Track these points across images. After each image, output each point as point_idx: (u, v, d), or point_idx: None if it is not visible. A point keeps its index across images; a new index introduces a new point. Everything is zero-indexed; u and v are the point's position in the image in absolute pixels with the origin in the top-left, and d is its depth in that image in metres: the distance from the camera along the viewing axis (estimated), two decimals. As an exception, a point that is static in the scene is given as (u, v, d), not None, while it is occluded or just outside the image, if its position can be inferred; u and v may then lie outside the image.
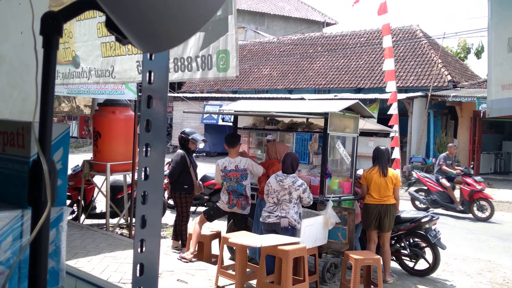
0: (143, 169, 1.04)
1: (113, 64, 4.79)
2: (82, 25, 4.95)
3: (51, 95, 0.82)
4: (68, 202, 7.96)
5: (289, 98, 18.54)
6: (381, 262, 5.81)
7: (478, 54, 27.77)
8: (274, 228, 5.05)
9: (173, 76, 4.22)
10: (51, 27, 0.81)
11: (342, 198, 6.00)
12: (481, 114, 15.93)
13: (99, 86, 7.73)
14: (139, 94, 7.20)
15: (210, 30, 3.86)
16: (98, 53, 4.91)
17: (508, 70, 3.46)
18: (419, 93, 17.08)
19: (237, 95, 21.52)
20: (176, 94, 24.28)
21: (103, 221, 7.64)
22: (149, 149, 1.06)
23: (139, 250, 1.05)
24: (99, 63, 4.92)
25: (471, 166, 17.52)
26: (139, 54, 4.34)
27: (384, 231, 5.80)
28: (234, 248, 5.25)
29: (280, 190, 5.08)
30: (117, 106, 7.41)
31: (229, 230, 6.07)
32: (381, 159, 5.86)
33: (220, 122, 19.81)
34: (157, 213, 1.07)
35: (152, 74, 1.03)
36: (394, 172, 5.93)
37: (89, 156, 8.45)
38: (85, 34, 4.93)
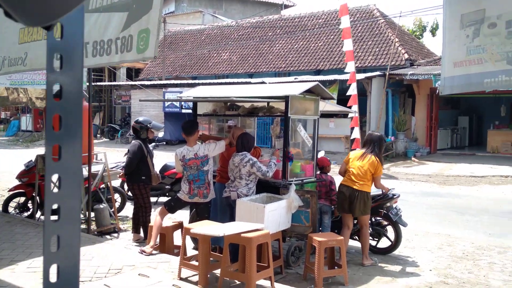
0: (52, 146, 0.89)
1: (26, 51, 4.41)
2: None
3: None
4: (23, 199, 7.65)
5: (249, 82, 18.39)
6: (347, 243, 5.83)
7: (433, 31, 28.49)
8: (229, 202, 5.46)
9: (90, 62, 3.89)
10: None
11: (304, 181, 5.96)
12: (437, 91, 16.32)
13: (44, 76, 7.31)
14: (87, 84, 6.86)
15: (134, 9, 3.57)
16: (15, 40, 4.49)
17: (459, 47, 3.45)
18: (377, 73, 17.28)
19: (197, 81, 21.17)
20: (133, 82, 23.66)
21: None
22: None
23: (52, 248, 0.87)
24: (14, 51, 4.50)
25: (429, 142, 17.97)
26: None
27: (354, 215, 5.83)
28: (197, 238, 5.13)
29: (233, 168, 5.43)
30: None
31: (192, 220, 5.94)
32: (366, 144, 5.92)
33: (182, 110, 19.51)
34: (75, 200, 0.90)
35: (63, 58, 0.87)
36: (374, 160, 5.74)
37: (43, 150, 8.07)
38: (4, 21, 4.55)
